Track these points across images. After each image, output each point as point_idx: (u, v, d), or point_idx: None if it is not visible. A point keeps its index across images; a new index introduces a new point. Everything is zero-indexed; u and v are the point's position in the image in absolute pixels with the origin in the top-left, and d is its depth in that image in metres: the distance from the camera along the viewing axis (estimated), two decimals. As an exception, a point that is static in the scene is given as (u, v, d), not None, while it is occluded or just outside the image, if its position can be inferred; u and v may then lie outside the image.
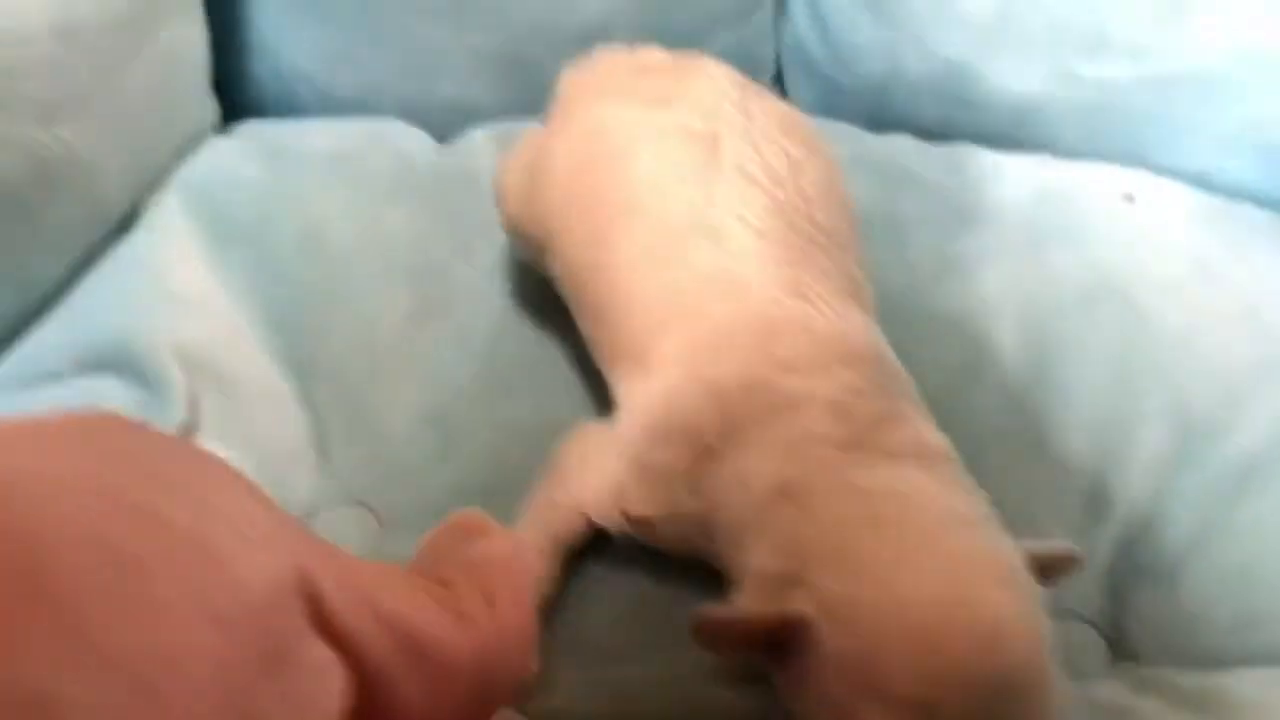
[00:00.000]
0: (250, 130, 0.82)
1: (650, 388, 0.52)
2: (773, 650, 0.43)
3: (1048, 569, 0.45)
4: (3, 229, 0.61)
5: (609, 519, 0.53)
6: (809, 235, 0.57)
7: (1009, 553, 0.44)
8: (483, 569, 0.35)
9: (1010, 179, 0.79)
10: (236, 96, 0.84)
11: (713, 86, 0.62)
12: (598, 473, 0.53)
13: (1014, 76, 0.80)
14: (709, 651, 0.45)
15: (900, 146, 0.84)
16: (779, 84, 0.97)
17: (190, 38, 0.76)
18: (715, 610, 0.44)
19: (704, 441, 0.49)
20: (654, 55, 0.67)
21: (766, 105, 0.63)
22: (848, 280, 0.56)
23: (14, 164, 0.60)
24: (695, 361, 0.52)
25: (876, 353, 0.53)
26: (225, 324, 0.66)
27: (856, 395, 0.49)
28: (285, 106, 0.85)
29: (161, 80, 0.72)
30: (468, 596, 0.33)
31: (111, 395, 0.61)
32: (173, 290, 0.66)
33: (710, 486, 0.48)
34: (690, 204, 0.56)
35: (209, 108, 0.80)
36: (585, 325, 0.61)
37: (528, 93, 0.85)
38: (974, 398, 0.65)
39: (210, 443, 0.60)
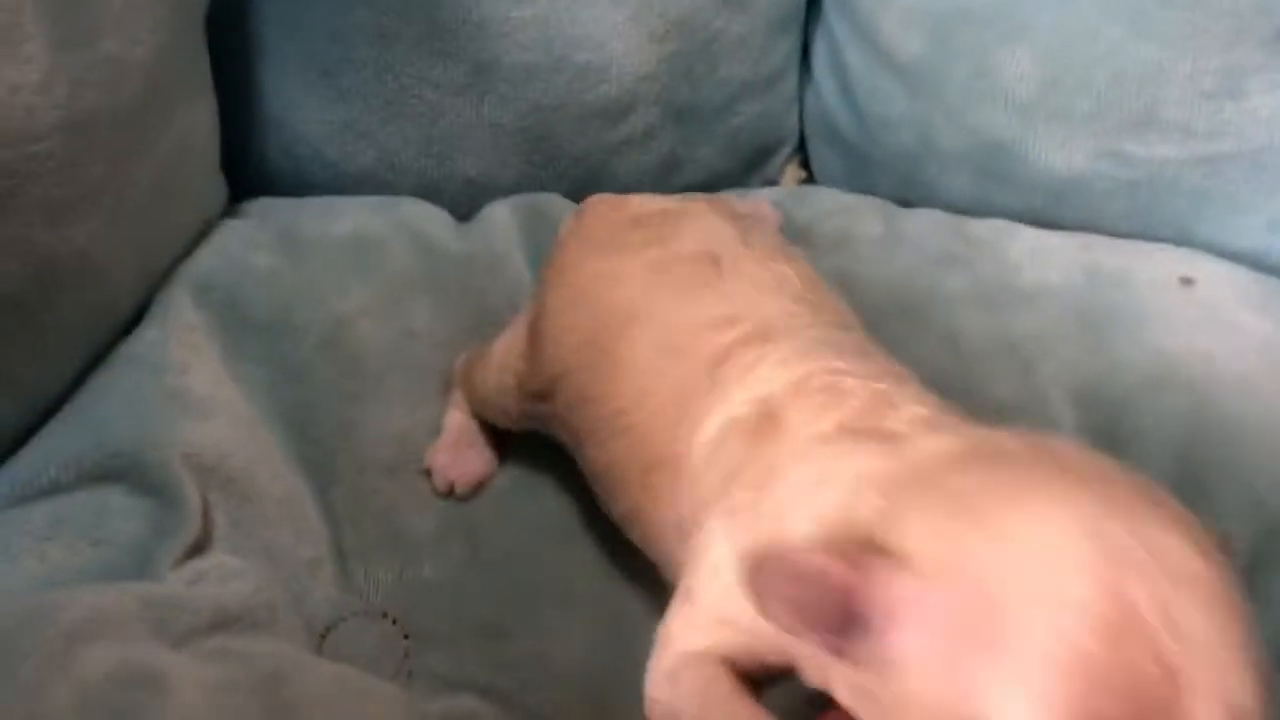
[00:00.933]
0: (261, 210, 0.78)
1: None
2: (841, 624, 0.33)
3: None
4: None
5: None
6: (839, 323, 0.54)
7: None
8: None
9: (1057, 258, 0.77)
10: (244, 173, 0.81)
11: (706, 222, 0.60)
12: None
13: (1057, 154, 0.78)
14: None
15: (936, 223, 0.82)
16: (802, 153, 0.95)
17: (202, 121, 0.73)
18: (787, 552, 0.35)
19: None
20: (647, 203, 0.64)
21: (766, 237, 0.61)
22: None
23: (15, 269, 0.56)
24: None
25: None
26: (241, 426, 0.62)
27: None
28: (295, 183, 0.81)
29: (173, 167, 0.68)
30: None
31: (120, 508, 0.57)
32: (184, 391, 0.62)
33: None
34: (697, 307, 0.53)
35: (220, 190, 0.77)
36: (599, 449, 0.56)
37: (548, 169, 0.84)
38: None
39: (224, 554, 0.57)
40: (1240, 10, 0.70)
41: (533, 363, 0.60)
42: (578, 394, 0.56)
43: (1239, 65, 0.71)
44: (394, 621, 0.58)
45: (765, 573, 0.34)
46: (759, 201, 0.81)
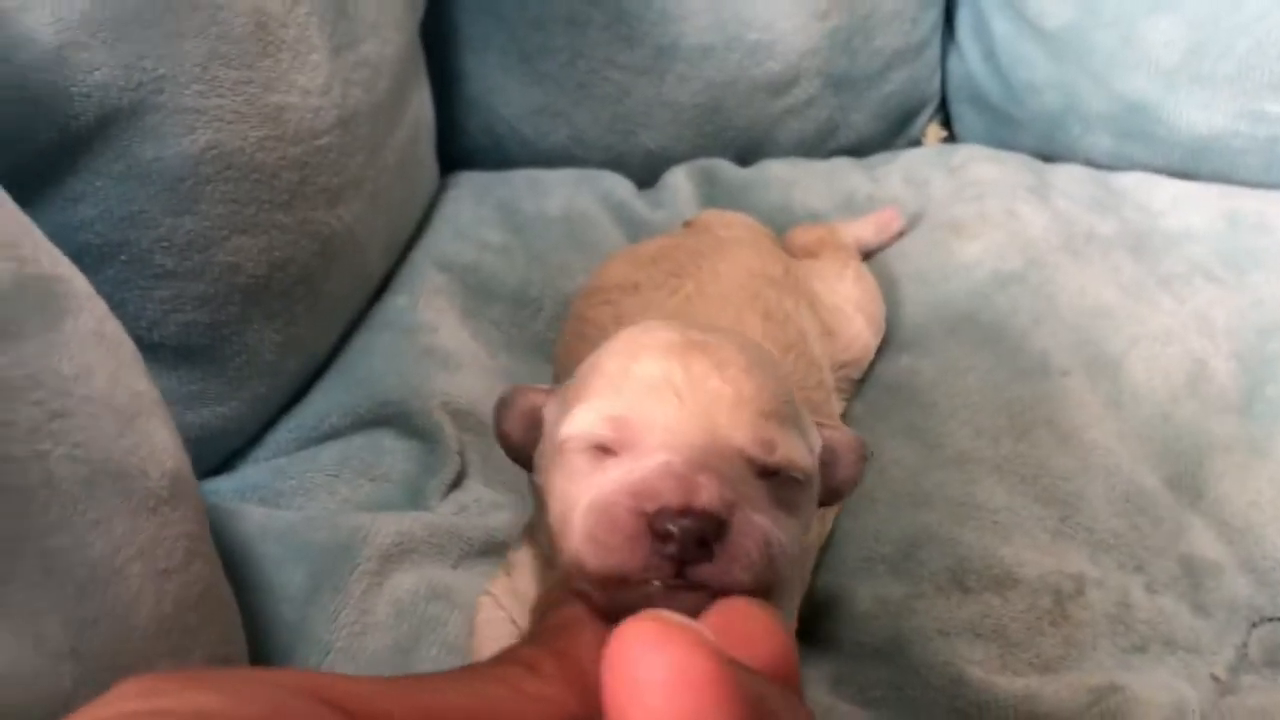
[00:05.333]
0: (471, 184, 0.86)
1: None
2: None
3: None
4: (292, 303, 0.65)
5: None
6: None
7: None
8: None
9: (1198, 206, 0.82)
10: (447, 148, 0.88)
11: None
12: None
13: (1198, 114, 0.83)
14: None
15: (1080, 175, 0.88)
16: (943, 113, 1.01)
17: (425, 107, 0.81)
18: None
19: None
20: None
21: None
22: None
23: (305, 246, 0.64)
24: None
25: None
26: (486, 377, 0.71)
27: None
28: (494, 157, 0.89)
29: (409, 151, 0.76)
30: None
31: (391, 449, 0.66)
32: (435, 347, 0.71)
33: None
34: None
35: (435, 167, 0.85)
36: None
37: (718, 138, 0.90)
38: (1197, 407, 0.68)
39: (476, 486, 0.65)
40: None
41: None
42: None
43: (1376, 28, 0.76)
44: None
45: (498, 405, 0.47)
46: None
